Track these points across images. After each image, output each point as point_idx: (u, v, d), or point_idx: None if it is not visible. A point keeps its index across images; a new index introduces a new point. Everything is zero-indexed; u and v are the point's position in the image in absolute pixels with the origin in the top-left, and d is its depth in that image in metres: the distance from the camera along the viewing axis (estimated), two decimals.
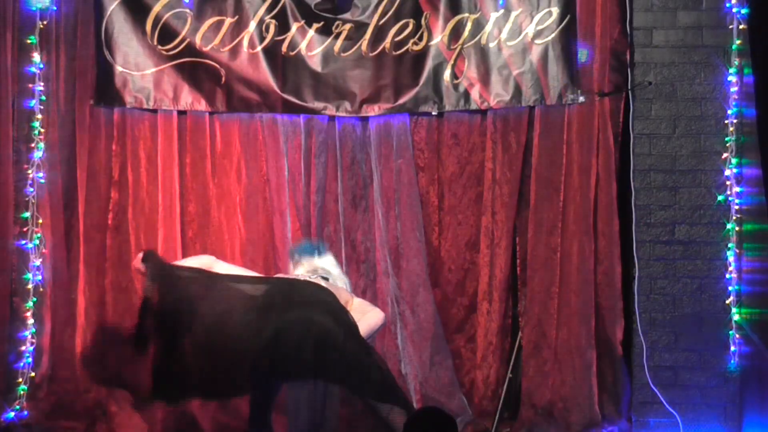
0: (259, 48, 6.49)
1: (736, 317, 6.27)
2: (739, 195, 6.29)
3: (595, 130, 6.44)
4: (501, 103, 6.47)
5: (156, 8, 6.46)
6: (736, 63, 6.28)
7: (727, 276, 6.30)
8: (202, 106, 6.53)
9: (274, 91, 6.49)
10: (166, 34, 6.48)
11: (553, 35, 6.40)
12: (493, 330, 6.56)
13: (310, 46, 6.49)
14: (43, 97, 6.49)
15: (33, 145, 6.49)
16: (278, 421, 5.73)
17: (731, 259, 6.29)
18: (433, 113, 6.56)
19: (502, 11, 6.44)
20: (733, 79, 6.28)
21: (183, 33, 6.48)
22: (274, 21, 6.48)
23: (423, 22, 6.46)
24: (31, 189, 6.48)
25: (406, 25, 6.47)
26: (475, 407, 6.52)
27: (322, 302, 5.38)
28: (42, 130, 6.50)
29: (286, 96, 6.48)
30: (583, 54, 6.41)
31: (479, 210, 6.60)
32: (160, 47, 6.49)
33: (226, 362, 5.24)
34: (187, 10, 6.47)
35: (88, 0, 6.50)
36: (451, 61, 6.46)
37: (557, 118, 6.47)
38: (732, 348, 6.27)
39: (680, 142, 6.39)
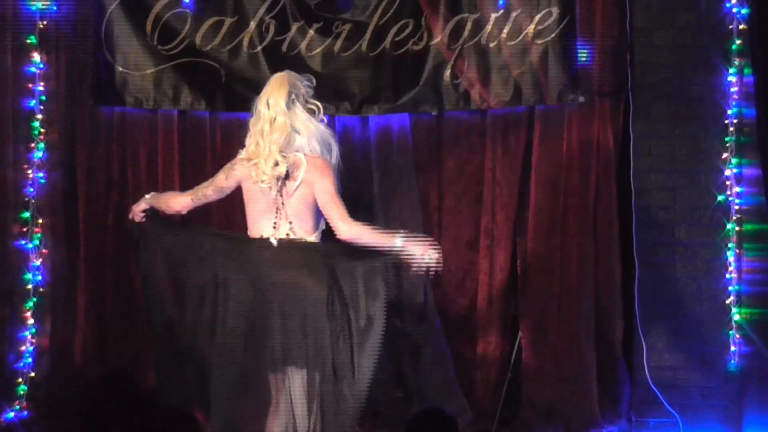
0: (259, 48, 6.49)
1: (736, 317, 6.27)
2: (739, 195, 6.29)
3: (595, 130, 6.44)
4: (501, 103, 6.47)
5: (156, 8, 6.46)
6: (736, 63, 6.28)
7: (727, 276, 6.30)
8: (202, 106, 6.53)
9: None
10: (166, 34, 6.48)
11: (553, 35, 6.40)
12: (493, 330, 6.56)
13: (310, 46, 6.49)
14: (43, 97, 6.49)
15: (33, 145, 6.49)
16: None
17: (731, 259, 6.29)
18: (433, 113, 6.55)
19: (502, 11, 6.43)
20: (733, 79, 6.28)
21: (183, 33, 6.48)
22: (274, 21, 6.48)
23: (423, 22, 6.46)
24: (31, 189, 6.48)
25: (406, 25, 6.47)
26: (475, 407, 6.51)
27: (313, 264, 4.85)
28: (42, 130, 6.50)
29: None
30: (582, 54, 6.41)
31: (479, 210, 6.60)
32: (160, 47, 6.49)
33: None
34: (187, 10, 6.47)
35: (88, 0, 6.50)
36: (451, 61, 6.45)
37: (557, 118, 6.47)
38: (732, 348, 6.27)
39: (680, 143, 6.38)
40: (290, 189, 4.89)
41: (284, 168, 4.86)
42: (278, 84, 4.99)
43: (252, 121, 5.01)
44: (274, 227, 4.91)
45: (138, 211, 5.14)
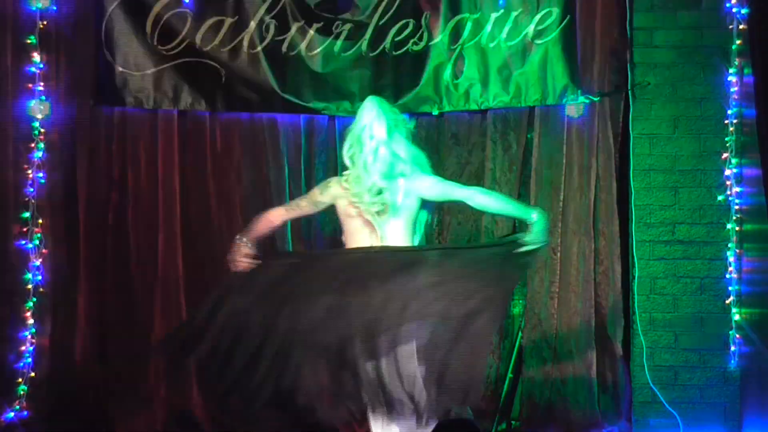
0: (259, 48, 6.49)
1: (736, 317, 6.27)
2: (739, 195, 6.29)
3: (595, 130, 6.44)
4: (501, 103, 6.47)
5: (156, 8, 6.46)
6: (736, 63, 6.28)
7: (727, 276, 6.30)
8: (202, 106, 6.53)
9: (274, 91, 6.49)
10: (166, 34, 6.48)
11: (553, 35, 6.40)
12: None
13: (310, 46, 6.49)
14: (43, 97, 6.49)
15: (33, 145, 6.48)
16: None
17: (731, 259, 6.29)
18: (433, 113, 6.55)
19: (502, 11, 6.43)
20: (733, 79, 6.29)
21: (183, 33, 6.48)
22: (274, 21, 6.48)
23: (423, 22, 6.46)
24: (31, 189, 6.48)
25: (406, 25, 6.47)
26: (475, 407, 6.51)
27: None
28: (42, 130, 6.50)
29: (286, 96, 6.48)
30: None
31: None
32: (160, 47, 6.49)
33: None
34: (187, 10, 6.47)
35: (88, 0, 6.50)
36: (451, 61, 6.45)
37: (557, 118, 6.47)
38: (732, 348, 6.28)
39: (680, 142, 6.39)
40: (389, 214, 5.02)
41: (387, 197, 5.01)
42: (376, 113, 5.10)
43: (350, 145, 5.08)
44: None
45: (241, 258, 5.08)
